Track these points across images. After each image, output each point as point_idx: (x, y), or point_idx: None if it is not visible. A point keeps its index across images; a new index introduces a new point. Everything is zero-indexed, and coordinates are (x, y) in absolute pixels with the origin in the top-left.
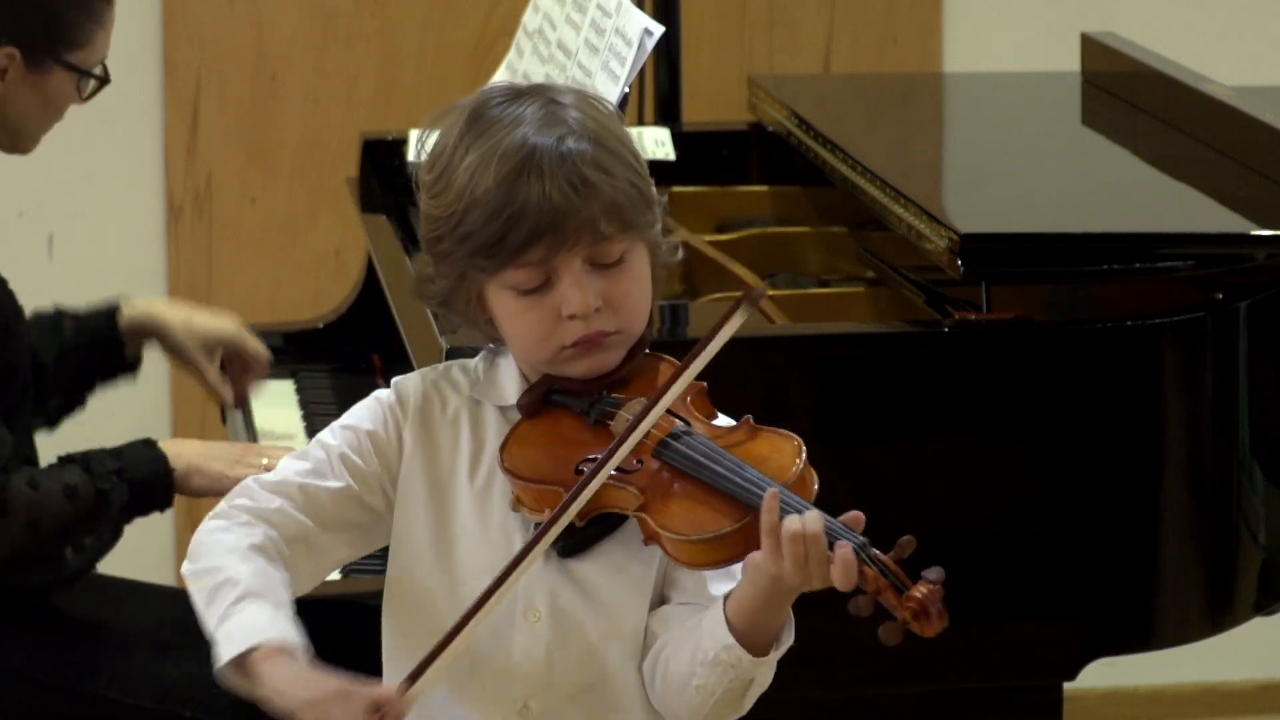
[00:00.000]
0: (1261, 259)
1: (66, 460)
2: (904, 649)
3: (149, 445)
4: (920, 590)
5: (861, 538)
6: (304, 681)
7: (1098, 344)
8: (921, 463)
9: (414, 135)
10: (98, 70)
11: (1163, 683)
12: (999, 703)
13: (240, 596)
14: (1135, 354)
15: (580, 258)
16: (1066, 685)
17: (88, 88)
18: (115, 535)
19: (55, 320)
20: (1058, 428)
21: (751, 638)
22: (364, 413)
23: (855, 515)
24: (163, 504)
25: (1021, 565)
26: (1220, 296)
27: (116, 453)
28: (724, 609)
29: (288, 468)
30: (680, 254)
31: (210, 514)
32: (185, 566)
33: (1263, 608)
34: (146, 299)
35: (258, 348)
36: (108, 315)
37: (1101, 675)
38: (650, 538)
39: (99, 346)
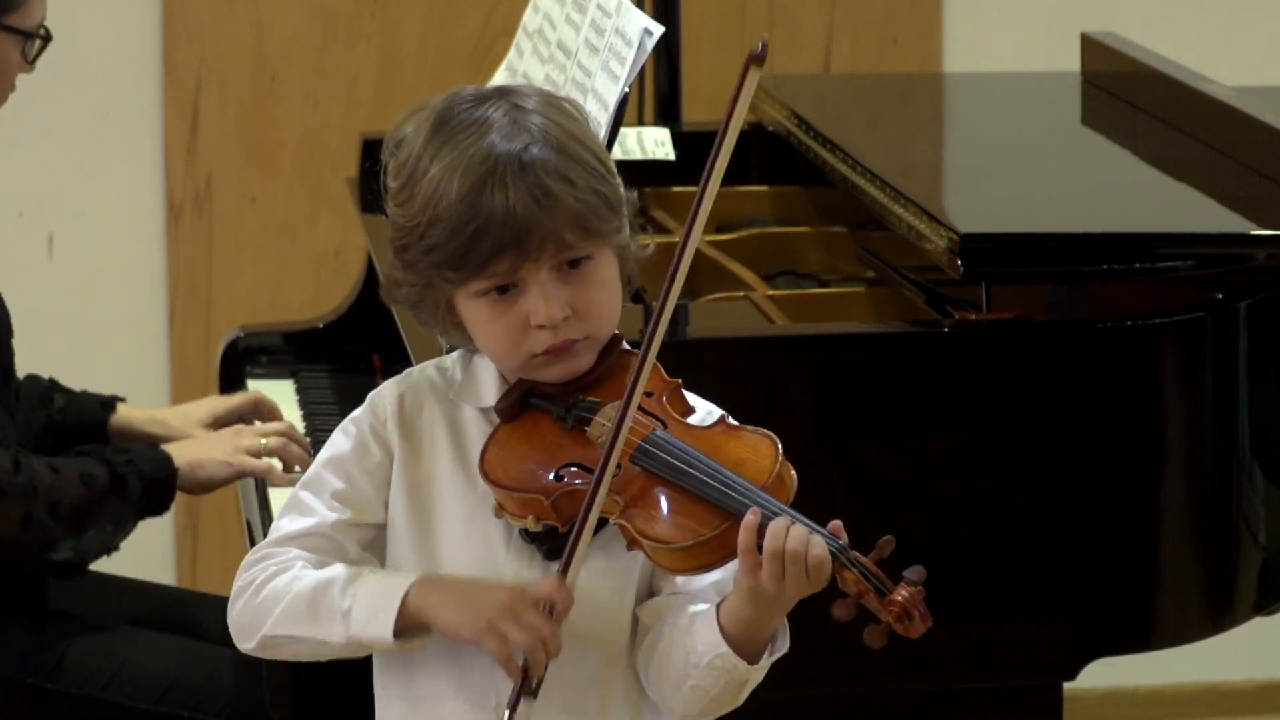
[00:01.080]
0: (1261, 259)
1: (80, 452)
2: (904, 648)
3: (153, 447)
4: (902, 593)
5: (841, 541)
6: (471, 607)
7: (1098, 344)
8: (921, 463)
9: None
10: (40, 30)
11: (1163, 683)
12: (999, 703)
13: (344, 586)
14: (1135, 354)
15: (546, 267)
16: (1066, 685)
17: (32, 50)
18: (130, 524)
19: (48, 390)
20: (1058, 428)
21: (745, 645)
22: (343, 440)
23: (835, 525)
24: (164, 504)
25: (1021, 565)
26: (1220, 296)
27: (124, 449)
28: (717, 617)
29: (289, 526)
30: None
31: (239, 583)
32: (257, 636)
33: (1263, 608)
34: (144, 410)
35: (241, 400)
36: (102, 405)
37: (1101, 675)
38: (631, 543)
39: (83, 433)
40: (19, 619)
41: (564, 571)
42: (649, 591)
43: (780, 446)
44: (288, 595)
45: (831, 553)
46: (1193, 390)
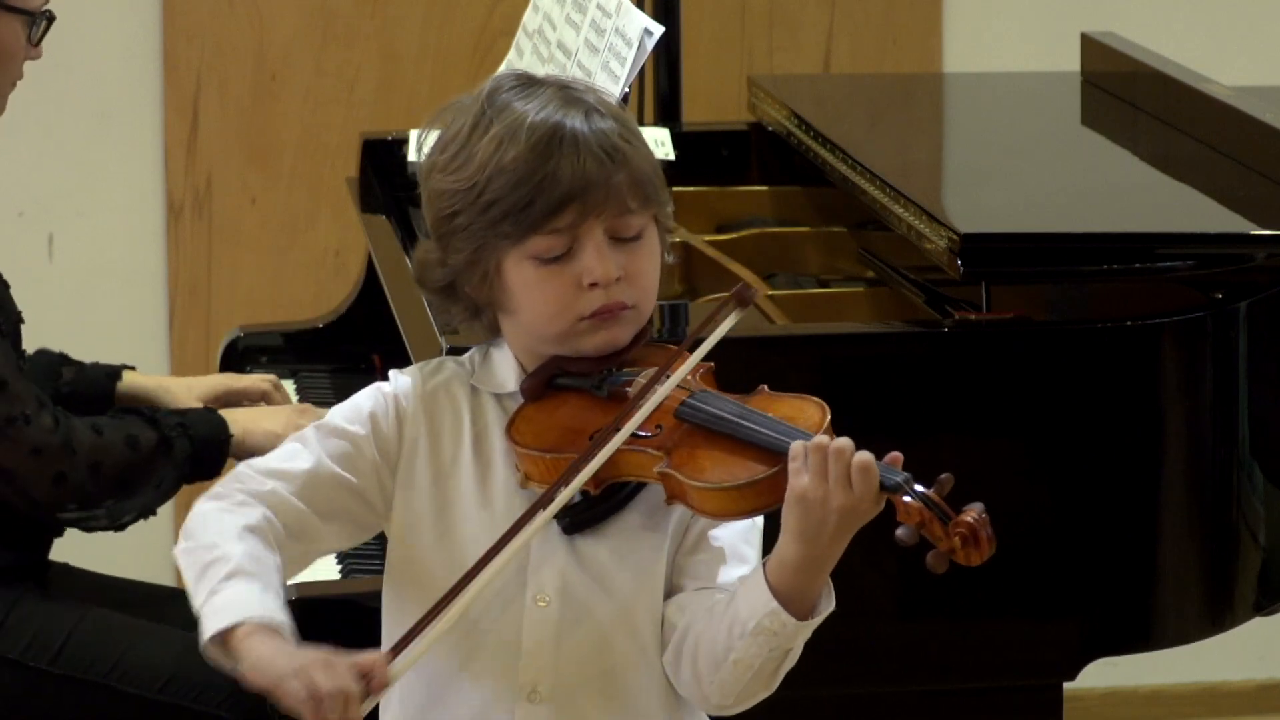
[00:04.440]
0: (1261, 259)
1: (129, 411)
2: (904, 648)
3: (210, 411)
4: (970, 516)
5: (904, 474)
6: (286, 654)
7: (1098, 344)
8: (921, 463)
9: (414, 135)
10: (44, 10)
11: (1163, 683)
12: (999, 703)
13: (230, 574)
14: (1135, 354)
15: (603, 229)
16: (1066, 685)
17: (37, 32)
18: (174, 487)
19: (57, 363)
20: (1058, 428)
21: (794, 600)
22: (364, 402)
23: (894, 455)
24: (217, 468)
25: (1021, 565)
26: (1220, 296)
27: (180, 411)
28: (764, 574)
29: (285, 454)
30: (671, 258)
31: (204, 495)
32: (179, 545)
33: (1262, 608)
34: (148, 376)
35: (252, 382)
36: (108, 376)
37: (1101, 675)
38: (674, 495)
39: (93, 404)
40: (24, 602)
41: (395, 652)
42: (672, 589)
43: (829, 411)
44: (206, 542)
45: (895, 483)
46: (1193, 390)
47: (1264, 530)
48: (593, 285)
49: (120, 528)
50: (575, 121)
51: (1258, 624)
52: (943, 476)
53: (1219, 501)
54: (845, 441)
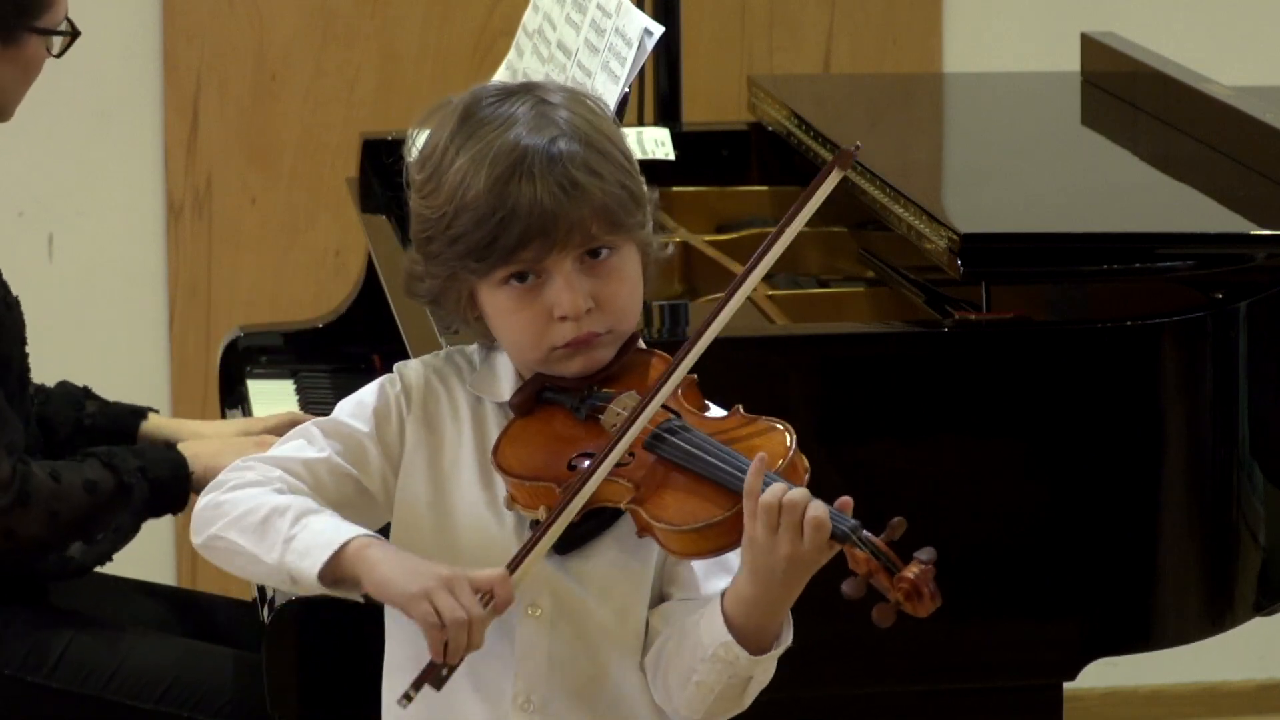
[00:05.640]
0: (1261, 259)
1: (88, 455)
2: (904, 648)
3: (169, 447)
4: (912, 571)
5: (853, 521)
6: (409, 571)
7: (1098, 344)
8: (921, 463)
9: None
10: (64, 26)
11: (1163, 683)
12: (999, 703)
13: (297, 516)
14: (1135, 354)
15: (571, 259)
16: (1066, 685)
17: (58, 44)
18: (133, 530)
19: (80, 397)
20: (1058, 428)
21: (749, 635)
22: (368, 398)
23: (844, 500)
24: (179, 505)
25: (1021, 565)
26: (1220, 296)
27: (138, 451)
28: (721, 606)
29: (290, 448)
30: (670, 250)
31: (218, 479)
32: (206, 533)
33: (1262, 608)
34: (176, 420)
35: (278, 421)
36: (132, 414)
37: (1101, 675)
38: (643, 529)
39: (115, 441)
40: (19, 616)
41: (512, 567)
42: (660, 596)
43: (794, 435)
44: (249, 504)
45: (843, 531)
46: (1193, 390)
47: (1264, 530)
48: (563, 318)
49: (79, 573)
50: (537, 152)
51: (1258, 624)
52: (894, 521)
53: (1219, 501)
54: (799, 494)
